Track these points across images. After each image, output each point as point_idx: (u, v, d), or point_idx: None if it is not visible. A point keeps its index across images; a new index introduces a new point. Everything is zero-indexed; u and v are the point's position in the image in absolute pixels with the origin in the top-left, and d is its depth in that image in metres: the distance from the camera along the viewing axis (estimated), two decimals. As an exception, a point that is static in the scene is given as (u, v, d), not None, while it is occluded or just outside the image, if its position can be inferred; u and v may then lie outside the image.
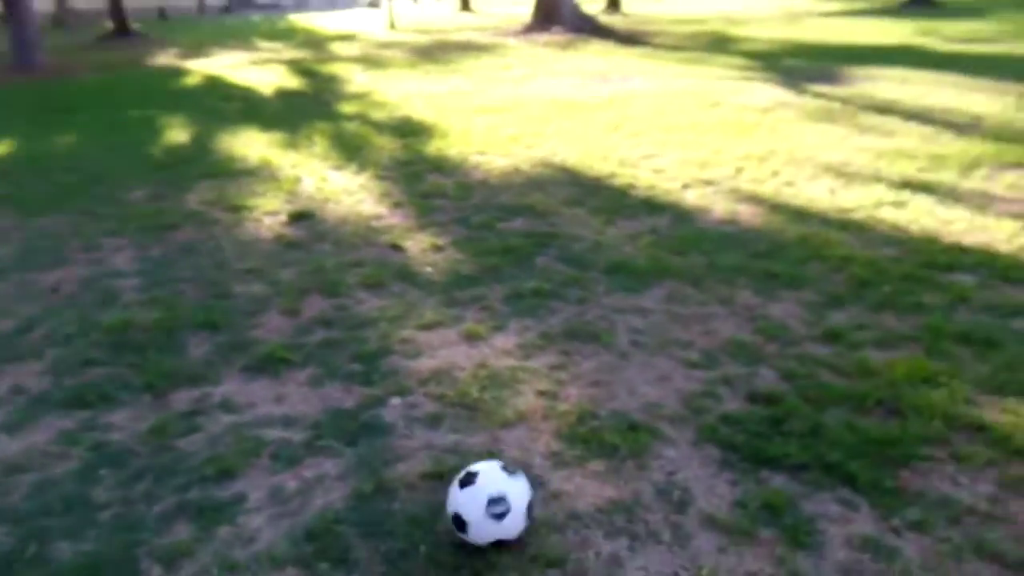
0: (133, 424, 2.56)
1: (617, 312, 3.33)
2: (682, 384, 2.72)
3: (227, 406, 2.65)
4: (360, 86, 11.58)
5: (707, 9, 35.49)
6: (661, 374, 2.79)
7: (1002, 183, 5.05)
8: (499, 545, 1.88)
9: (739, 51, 15.13)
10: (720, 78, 10.76)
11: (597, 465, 2.25)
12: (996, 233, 4.10)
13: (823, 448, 2.26)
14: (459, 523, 1.88)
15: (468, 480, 1.90)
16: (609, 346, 3.01)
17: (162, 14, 44.74)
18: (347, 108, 9.40)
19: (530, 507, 1.91)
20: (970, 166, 5.46)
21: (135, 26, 27.36)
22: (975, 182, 5.11)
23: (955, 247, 3.92)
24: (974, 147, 6.03)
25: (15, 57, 15.34)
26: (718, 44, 17.20)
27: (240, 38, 24.08)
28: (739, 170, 5.57)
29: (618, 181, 5.46)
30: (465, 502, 1.87)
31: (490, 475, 1.91)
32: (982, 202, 4.67)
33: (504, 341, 3.08)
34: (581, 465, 2.26)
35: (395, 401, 2.66)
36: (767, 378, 2.72)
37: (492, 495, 1.86)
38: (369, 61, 15.27)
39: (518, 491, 1.89)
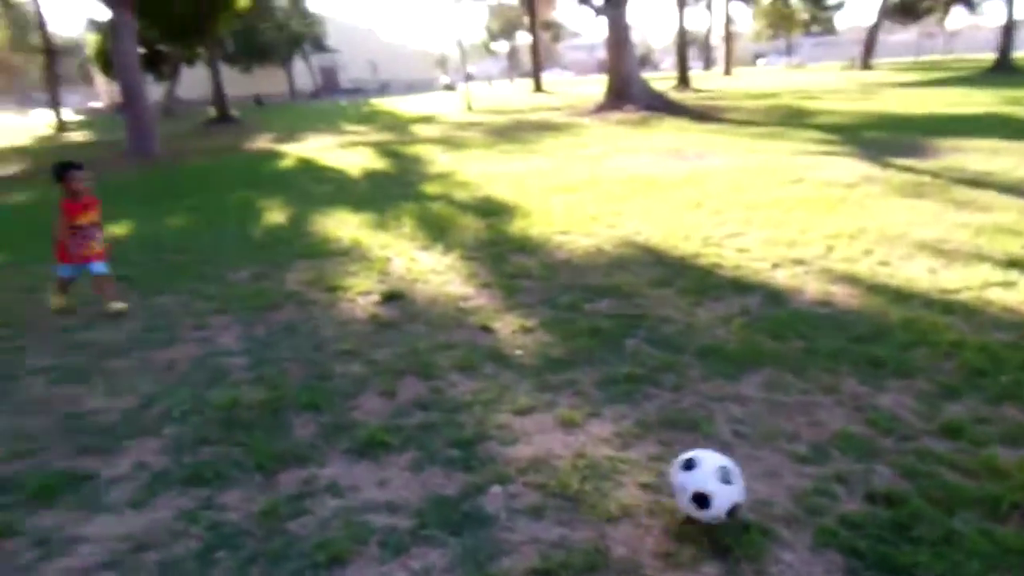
0: (246, 505, 2.62)
1: (714, 400, 3.24)
2: (792, 480, 2.59)
3: (333, 489, 2.69)
4: (442, 167, 12.02)
5: (777, 83, 35.61)
6: (768, 468, 2.68)
7: (1121, 262, 4.74)
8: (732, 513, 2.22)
9: (816, 124, 15.02)
10: (799, 153, 10.67)
11: (712, 568, 2.16)
12: (1122, 317, 3.83)
13: (959, 557, 2.10)
14: (701, 500, 2.22)
15: (691, 464, 2.29)
16: (710, 436, 2.92)
17: (258, 100, 48.13)
18: (431, 189, 9.75)
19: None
20: (1082, 243, 5.17)
21: (234, 112, 29.50)
22: (1090, 261, 4.82)
23: (1077, 333, 3.67)
24: (1083, 222, 5.71)
25: (132, 145, 16.71)
26: (793, 118, 17.14)
27: (328, 121, 25.58)
28: (829, 248, 5.45)
29: (703, 261, 5.41)
30: (700, 479, 2.23)
31: (704, 454, 2.34)
32: (1101, 283, 4.38)
33: (600, 428, 3.04)
34: (695, 568, 2.16)
35: (496, 490, 2.63)
36: (885, 476, 2.57)
37: (719, 466, 2.27)
38: (449, 142, 15.91)
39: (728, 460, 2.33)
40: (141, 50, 19.47)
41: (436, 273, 5.57)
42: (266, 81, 53.26)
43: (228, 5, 23.90)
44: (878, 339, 3.75)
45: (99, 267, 5.01)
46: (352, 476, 2.78)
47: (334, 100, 50.69)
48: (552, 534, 2.37)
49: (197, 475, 2.84)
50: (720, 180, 8.70)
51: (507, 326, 4.32)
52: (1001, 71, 30.11)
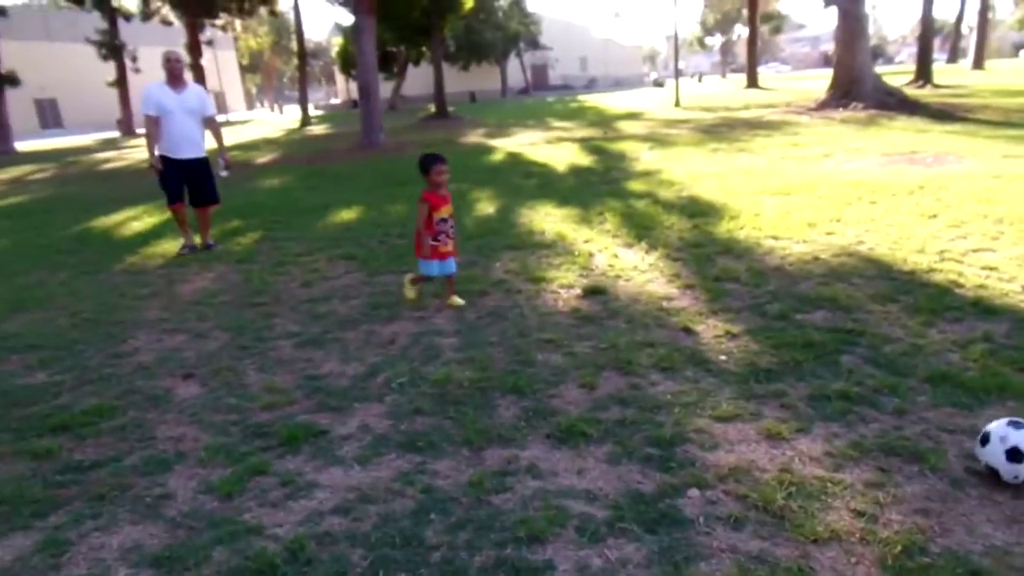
0: (455, 474, 2.85)
1: (945, 431, 2.94)
2: (1036, 530, 2.30)
3: (534, 471, 2.83)
4: (647, 164, 11.93)
5: (1044, 77, 30.73)
6: (1009, 515, 2.39)
7: None
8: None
9: (1093, 126, 12.80)
10: (1068, 159, 9.18)
11: (932, 610, 1.99)
12: None
13: None
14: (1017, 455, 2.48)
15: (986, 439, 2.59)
16: (937, 470, 2.67)
17: (472, 97, 50.90)
18: (635, 186, 9.73)
19: None
20: None
21: (451, 108, 31.47)
22: None
23: None
24: None
25: (363, 137, 18.51)
26: (1063, 118, 14.75)
27: (537, 117, 26.40)
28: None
29: (938, 277, 4.89)
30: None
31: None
32: None
33: (810, 446, 2.89)
34: (912, 606, 2.01)
35: (694, 493, 2.62)
36: None
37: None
38: (656, 139, 15.72)
39: None
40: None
41: (638, 271, 5.58)
42: (481, 78, 56.13)
43: (455, 7, 25.52)
44: None
45: (453, 266, 4.92)
46: (552, 461, 2.91)
47: (543, 96, 52.13)
48: (751, 546, 2.31)
49: (412, 442, 3.13)
50: (963, 188, 7.75)
51: (710, 330, 4.23)
52: None
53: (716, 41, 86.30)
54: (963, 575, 2.13)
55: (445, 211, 4.80)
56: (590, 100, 38.78)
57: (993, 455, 2.55)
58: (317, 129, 31.22)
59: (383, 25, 24.69)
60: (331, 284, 5.81)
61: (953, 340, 3.84)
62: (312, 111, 43.02)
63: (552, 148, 15.68)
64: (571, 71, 71.88)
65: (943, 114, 16.87)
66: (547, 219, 7.73)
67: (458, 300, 4.96)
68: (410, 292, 5.05)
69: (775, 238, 6.25)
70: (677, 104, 27.14)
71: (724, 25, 76.86)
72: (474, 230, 7.46)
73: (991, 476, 2.59)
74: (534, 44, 58.67)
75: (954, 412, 3.09)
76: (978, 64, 45.00)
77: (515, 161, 13.96)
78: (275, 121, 45.13)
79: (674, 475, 2.75)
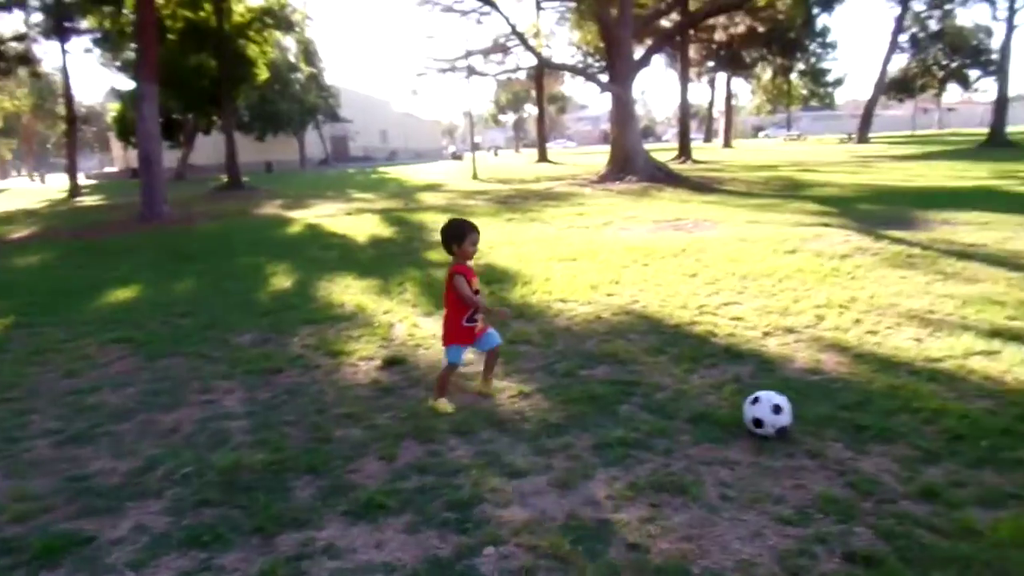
0: (244, 566, 2.72)
1: (704, 464, 3.35)
2: (776, 541, 2.69)
3: (331, 551, 2.78)
4: (446, 234, 12.30)
5: (776, 155, 36.51)
6: (753, 530, 2.77)
7: (1102, 332, 4.89)
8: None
9: (812, 196, 15.42)
10: (794, 224, 10.94)
11: (692, 625, 2.24)
12: (1100, 387, 3.96)
13: (929, 617, 2.19)
14: (758, 423, 3.53)
15: (756, 400, 3.60)
16: (698, 499, 3.03)
17: (269, 168, 49.39)
18: (435, 256, 10.00)
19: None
20: (1065, 314, 5.33)
21: (245, 179, 30.29)
22: (1072, 331, 4.97)
23: (1056, 401, 3.80)
24: (1068, 294, 5.89)
25: (145, 208, 17.18)
26: (790, 189, 17.59)
27: (337, 188, 26.25)
28: (820, 318, 5.61)
29: (698, 329, 5.58)
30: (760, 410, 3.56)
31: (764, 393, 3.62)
32: (1081, 353, 4.53)
33: (593, 491, 3.14)
34: (676, 625, 2.25)
35: (489, 551, 2.73)
36: (864, 537, 2.67)
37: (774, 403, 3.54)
38: (454, 210, 16.31)
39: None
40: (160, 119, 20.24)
41: (437, 339, 5.66)
42: (278, 148, 54.80)
43: (248, 78, 24.93)
44: (864, 406, 3.87)
45: (497, 337, 4.39)
46: (349, 538, 2.88)
47: (344, 168, 51.99)
48: (542, 592, 2.46)
49: (196, 537, 2.93)
50: (717, 250, 8.94)
51: (505, 391, 4.45)
52: (994, 145, 30.90)
53: (510, 118, 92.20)
54: None
55: (476, 284, 4.27)
56: (391, 172, 39.40)
57: (761, 411, 3.54)
58: (89, 200, 28.45)
59: (168, 92, 23.43)
60: (102, 372, 5.30)
61: (710, 383, 4.40)
62: (83, 180, 39.18)
63: (353, 219, 15.68)
64: (372, 143, 72.64)
65: (702, 186, 19.37)
66: (347, 291, 7.70)
67: (493, 385, 4.43)
68: (445, 407, 4.16)
69: (563, 301, 6.75)
70: (475, 176, 28.45)
71: (515, 104, 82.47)
72: (269, 305, 7.22)
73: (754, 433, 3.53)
74: (333, 116, 58.69)
75: (711, 447, 3.53)
76: (727, 143, 52.35)
77: (314, 233, 13.76)
78: (36, 191, 40.44)
79: (471, 536, 2.84)
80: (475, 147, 34.34)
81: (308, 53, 51.17)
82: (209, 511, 3.14)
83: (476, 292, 4.25)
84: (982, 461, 3.20)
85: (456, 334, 4.27)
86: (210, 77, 23.26)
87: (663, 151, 36.46)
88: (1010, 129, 35.45)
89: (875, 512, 2.84)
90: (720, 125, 57.17)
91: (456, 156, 63.51)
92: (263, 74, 25.37)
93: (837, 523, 2.78)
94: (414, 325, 6.17)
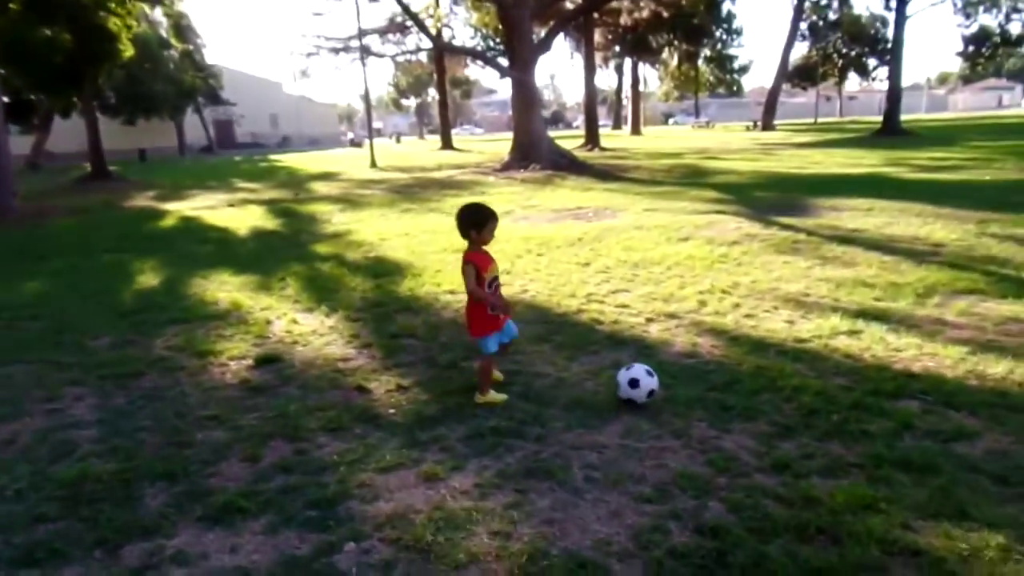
0: (84, 578, 2.69)
1: (573, 449, 3.54)
2: (633, 519, 2.90)
3: (179, 559, 2.79)
4: (337, 226, 12.22)
5: (683, 143, 37.95)
6: (613, 510, 2.98)
7: (954, 310, 5.46)
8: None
9: (712, 184, 16.18)
10: (692, 212, 11.47)
11: (542, 603, 2.40)
12: (943, 359, 4.44)
13: (762, 579, 2.44)
14: (634, 383, 3.93)
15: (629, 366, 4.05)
16: (564, 483, 3.21)
17: (142, 155, 46.97)
18: (322, 249, 9.92)
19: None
20: (925, 294, 5.90)
21: (113, 168, 28.74)
22: (928, 309, 5.52)
23: (904, 374, 4.23)
24: (931, 275, 6.51)
25: (-12, 204, 16.05)
26: (693, 177, 18.39)
27: (219, 178, 25.36)
28: (702, 303, 5.97)
29: (584, 317, 5.82)
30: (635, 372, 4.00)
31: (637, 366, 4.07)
32: (933, 329, 5.04)
33: (462, 481, 3.27)
34: (526, 603, 2.40)
35: (350, 547, 2.81)
36: (715, 511, 2.91)
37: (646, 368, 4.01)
38: (348, 201, 16.15)
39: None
40: (4, 99, 18.95)
41: (317, 335, 5.73)
42: (153, 135, 52.18)
43: (111, 55, 23.58)
44: (731, 387, 4.18)
45: (515, 328, 4.39)
46: (202, 544, 2.89)
47: (229, 155, 50.14)
48: (398, 583, 2.56)
49: (28, 555, 2.85)
50: (612, 239, 9.28)
51: (383, 386, 4.52)
52: (888, 134, 33.25)
53: (413, 103, 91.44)
54: (574, 568, 2.60)
55: (494, 270, 4.31)
56: (282, 159, 38.38)
57: (637, 372, 3.99)
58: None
59: (13, 69, 21.88)
60: (-67, 382, 5.00)
61: (589, 370, 4.62)
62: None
63: (235, 211, 15.24)
64: (261, 129, 70.41)
65: (606, 174, 19.93)
66: (222, 288, 7.53)
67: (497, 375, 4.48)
68: (496, 398, 4.17)
69: (452, 292, 6.86)
70: (373, 165, 28.14)
71: (418, 88, 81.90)
72: (132, 305, 6.97)
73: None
74: (215, 99, 56.38)
75: (583, 432, 3.73)
76: (636, 130, 53.89)
77: (190, 226, 13.30)
78: None
79: (332, 533, 2.91)
80: (374, 133, 33.91)
81: (181, 28, 48.88)
82: (45, 527, 3.06)
83: (495, 279, 4.31)
84: (831, 434, 3.54)
85: (484, 323, 4.25)
86: (64, 52, 21.79)
87: (571, 138, 37.21)
88: (904, 117, 38.19)
89: (728, 487, 3.10)
90: (629, 111, 58.77)
91: (355, 143, 62.49)
92: (128, 50, 23.99)
93: (693, 499, 3.02)
94: (293, 321, 6.13)
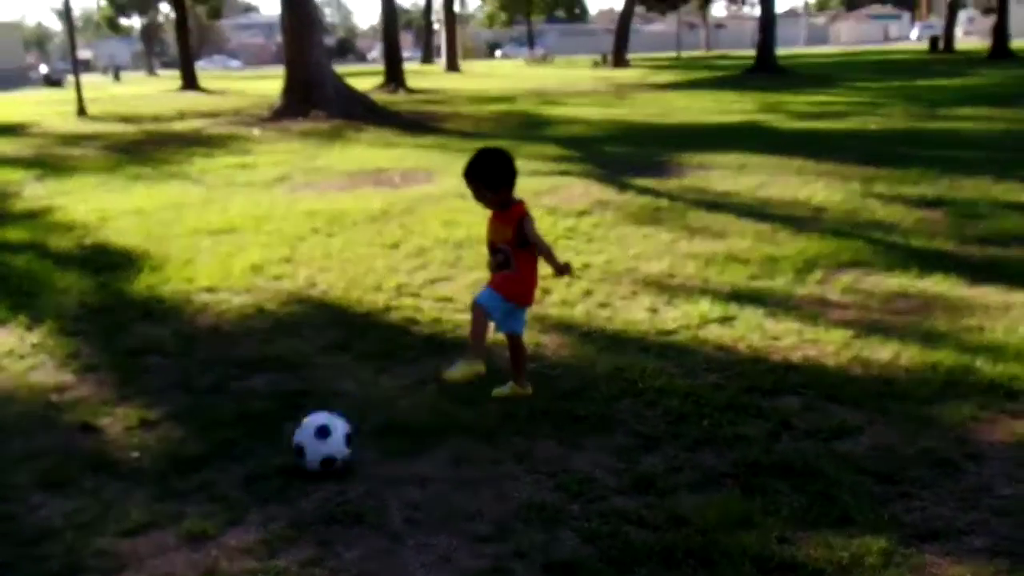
0: None
1: (389, 484, 3.71)
2: (468, 563, 3.12)
3: None
4: (33, 202, 11.58)
5: (516, 83, 39.08)
6: (442, 554, 3.17)
7: (837, 287, 6.20)
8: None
9: (553, 136, 16.93)
10: (529, 173, 11.91)
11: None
12: (826, 346, 5.06)
13: (623, 616, 2.74)
14: (299, 451, 3.78)
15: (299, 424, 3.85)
16: (378, 527, 3.36)
17: None
18: (13, 234, 9.42)
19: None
20: (805, 268, 6.64)
21: None
22: (809, 287, 6.23)
23: (782, 366, 4.79)
24: (812, 245, 7.32)
25: None
26: (529, 128, 19.10)
27: None
28: (545, 291, 6.31)
29: (394, 316, 6.00)
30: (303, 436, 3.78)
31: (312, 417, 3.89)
32: (814, 310, 5.71)
33: (242, 537, 3.33)
34: None
35: (87, 634, 2.80)
36: (567, 543, 3.20)
37: (319, 424, 3.79)
38: (48, 164, 15.27)
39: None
40: None
41: (15, 356, 5.51)
42: None
43: None
44: (583, 394, 4.53)
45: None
46: None
47: None
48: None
49: None
50: (427, 211, 9.52)
51: (119, 422, 4.45)
52: (762, 71, 36.19)
53: (136, 23, 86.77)
54: None
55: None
56: (-62, 106, 35.12)
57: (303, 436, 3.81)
58: None
59: None
60: None
61: (404, 384, 4.80)
62: None
63: None
64: (-100, 60, 63.88)
65: (415, 124, 20.17)
66: None
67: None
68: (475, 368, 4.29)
69: (211, 290, 6.78)
70: (82, 112, 26.53)
71: (143, 3, 77.76)
72: None
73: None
74: None
75: (400, 462, 3.90)
76: (452, 65, 54.62)
77: None
78: None
79: (62, 621, 2.88)
80: (81, 67, 31.91)
81: None
82: None
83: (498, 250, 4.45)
84: (701, 442, 3.95)
85: (530, 289, 4.55)
86: None
87: (366, 76, 37.08)
88: (780, 52, 41.67)
89: (583, 514, 3.40)
90: (443, 40, 59.49)
91: (52, 81, 58.51)
92: None
93: (540, 532, 3.29)
94: (-24, 340, 5.80)
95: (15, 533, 3.42)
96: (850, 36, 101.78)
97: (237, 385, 4.86)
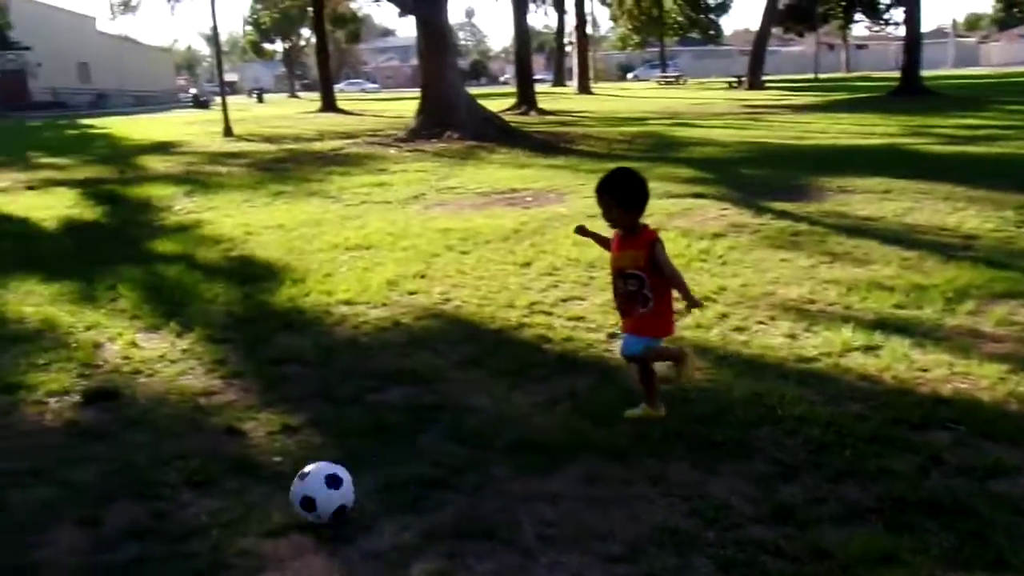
0: None
1: (522, 501, 3.72)
2: (600, 584, 3.10)
3: (3, 653, 2.83)
4: (183, 216, 12.17)
5: (648, 104, 38.91)
6: (574, 573, 3.17)
7: (991, 318, 5.90)
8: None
9: (686, 158, 16.77)
10: (662, 195, 11.86)
11: None
12: (979, 380, 4.82)
13: (761, 648, 2.66)
14: (308, 504, 3.49)
15: (304, 475, 3.60)
16: (510, 543, 3.38)
17: None
18: (165, 247, 9.87)
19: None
20: (956, 298, 6.35)
21: None
22: (960, 318, 5.95)
23: (931, 398, 4.59)
24: (963, 274, 7.00)
25: None
26: (660, 149, 18.98)
27: (12, 151, 24.60)
28: (678, 314, 6.24)
29: (527, 334, 6.03)
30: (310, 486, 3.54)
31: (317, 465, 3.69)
32: (966, 342, 5.45)
33: (375, 544, 3.41)
34: None
35: (232, 631, 2.91)
36: (701, 570, 3.14)
37: (328, 473, 3.58)
38: (196, 181, 16.01)
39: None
40: None
41: (167, 361, 5.76)
42: (-92, 89, 50.09)
43: None
44: (719, 419, 4.44)
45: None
46: (32, 634, 2.94)
47: (20, 118, 48.58)
48: (301, 674, 2.68)
49: None
50: (560, 231, 9.54)
51: (263, 427, 4.61)
52: (907, 93, 34.94)
53: (279, 48, 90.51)
54: None
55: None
56: (99, 125, 37.42)
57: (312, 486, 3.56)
58: None
59: None
60: None
61: (537, 402, 4.82)
62: None
63: (37, 196, 14.93)
64: (66, 82, 68.36)
65: (546, 145, 20.32)
66: (27, 300, 7.44)
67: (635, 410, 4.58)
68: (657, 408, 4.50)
69: (349, 303, 6.97)
70: (228, 132, 27.79)
71: (286, 28, 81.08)
72: (-100, 326, 6.82)
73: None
74: (1, 41, 54.61)
75: (533, 479, 3.92)
76: (584, 88, 54.80)
77: (-27, 217, 12.94)
78: None
79: (207, 614, 3.00)
80: (227, 89, 33.49)
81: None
82: None
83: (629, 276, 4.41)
84: (844, 474, 3.82)
85: (668, 322, 4.55)
86: None
87: (499, 97, 37.66)
88: (926, 73, 40.22)
89: (718, 541, 3.33)
90: (574, 63, 59.81)
91: (200, 102, 61.50)
92: None
93: (673, 556, 3.24)
94: (131, 344, 6.13)
95: (167, 530, 3.58)
96: (1002, 57, 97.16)
97: (373, 397, 4.98)
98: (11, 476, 4.11)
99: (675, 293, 4.41)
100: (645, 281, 4.30)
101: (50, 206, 13.55)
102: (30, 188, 16.13)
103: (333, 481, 3.52)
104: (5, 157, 22.76)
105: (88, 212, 13.12)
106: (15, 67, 62.63)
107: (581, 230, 4.88)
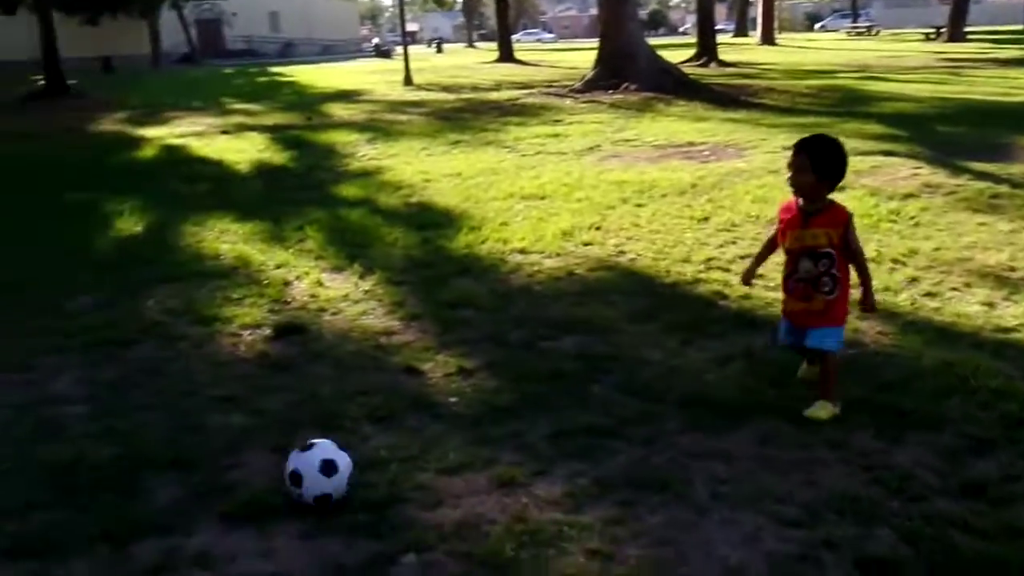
0: (89, 580, 2.99)
1: (694, 456, 3.70)
2: (773, 546, 3.05)
3: (203, 561, 3.07)
4: (365, 162, 12.55)
5: (836, 57, 37.13)
6: (747, 533, 3.13)
7: None
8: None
9: (877, 113, 15.93)
10: (849, 152, 11.31)
11: (660, 639, 2.58)
12: None
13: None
14: (295, 478, 3.37)
15: (307, 447, 3.49)
16: (682, 497, 3.37)
17: (107, 65, 48.37)
18: (348, 191, 10.23)
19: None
20: None
21: (72, 81, 29.78)
22: None
23: None
24: None
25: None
26: (851, 104, 18.09)
27: (207, 96, 26.04)
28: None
29: (703, 289, 5.95)
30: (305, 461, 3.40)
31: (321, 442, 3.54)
32: None
33: (548, 488, 3.47)
34: (639, 638, 2.59)
35: (409, 559, 3.04)
36: (883, 541, 3.03)
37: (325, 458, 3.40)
38: (377, 129, 16.46)
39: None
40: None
41: (350, 301, 6.01)
42: (120, 38, 53.67)
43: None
44: (907, 386, 4.26)
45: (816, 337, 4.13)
46: (227, 545, 3.17)
47: (217, 66, 51.26)
48: (474, 607, 2.78)
49: (24, 545, 3.18)
50: (738, 186, 9.32)
51: (440, 368, 4.76)
52: None
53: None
54: None
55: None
56: (287, 73, 39.03)
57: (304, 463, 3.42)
58: None
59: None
60: None
61: (711, 358, 4.76)
62: None
63: (231, 140, 15.72)
64: (258, 32, 71.54)
65: (726, 98, 19.72)
66: (223, 238, 7.90)
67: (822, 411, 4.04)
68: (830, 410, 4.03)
69: (523, 252, 7.06)
70: (408, 81, 28.42)
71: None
72: (111, 257, 7.43)
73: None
74: (199, -9, 57.59)
75: (705, 436, 3.88)
76: (768, 39, 52.70)
77: (175, 159, 13.82)
78: None
79: (385, 542, 3.15)
80: (408, 39, 34.20)
81: None
82: (40, 515, 3.40)
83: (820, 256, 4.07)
84: (1044, 451, 3.60)
85: (845, 307, 4.22)
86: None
87: (678, 48, 36.77)
88: None
89: (902, 512, 3.21)
90: (758, 13, 57.63)
91: (382, 52, 62.99)
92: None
93: (853, 524, 3.14)
94: (317, 283, 6.42)
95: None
96: None
97: (547, 344, 5.05)
98: (210, 402, 4.41)
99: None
100: (836, 261, 4.04)
101: (242, 150, 14.28)
102: (224, 133, 17.03)
103: (327, 467, 3.37)
104: (202, 102, 24.12)
105: (277, 156, 13.73)
106: (212, 16, 65.93)
107: (747, 280, 4.66)
